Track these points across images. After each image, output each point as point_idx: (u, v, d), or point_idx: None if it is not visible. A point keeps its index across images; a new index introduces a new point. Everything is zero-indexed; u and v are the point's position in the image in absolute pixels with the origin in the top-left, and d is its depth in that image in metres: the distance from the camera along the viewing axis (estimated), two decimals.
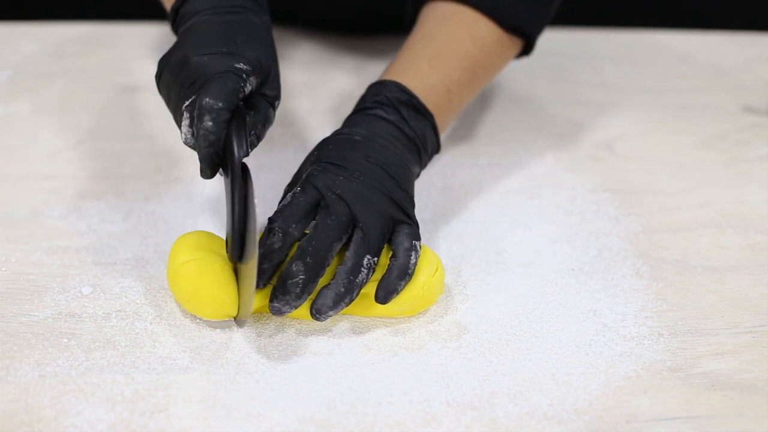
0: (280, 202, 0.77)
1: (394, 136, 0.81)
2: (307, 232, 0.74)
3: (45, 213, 0.87)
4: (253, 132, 0.74)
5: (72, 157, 0.95)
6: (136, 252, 0.82)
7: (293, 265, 0.71)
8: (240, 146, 0.71)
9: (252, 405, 0.69)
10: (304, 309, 0.74)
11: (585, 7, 1.33)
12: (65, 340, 0.73)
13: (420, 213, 0.89)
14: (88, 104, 1.05)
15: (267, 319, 0.76)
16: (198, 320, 0.76)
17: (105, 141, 0.98)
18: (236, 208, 0.71)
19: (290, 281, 0.71)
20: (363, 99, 0.85)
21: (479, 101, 1.08)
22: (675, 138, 1.04)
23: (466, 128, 1.03)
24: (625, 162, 0.99)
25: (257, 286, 0.72)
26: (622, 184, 0.95)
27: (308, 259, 0.72)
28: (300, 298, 0.72)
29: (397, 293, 0.74)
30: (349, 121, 0.84)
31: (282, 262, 0.73)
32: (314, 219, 0.75)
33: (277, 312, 0.72)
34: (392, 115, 0.82)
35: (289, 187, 0.80)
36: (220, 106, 0.70)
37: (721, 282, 0.82)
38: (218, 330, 0.75)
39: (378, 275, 0.75)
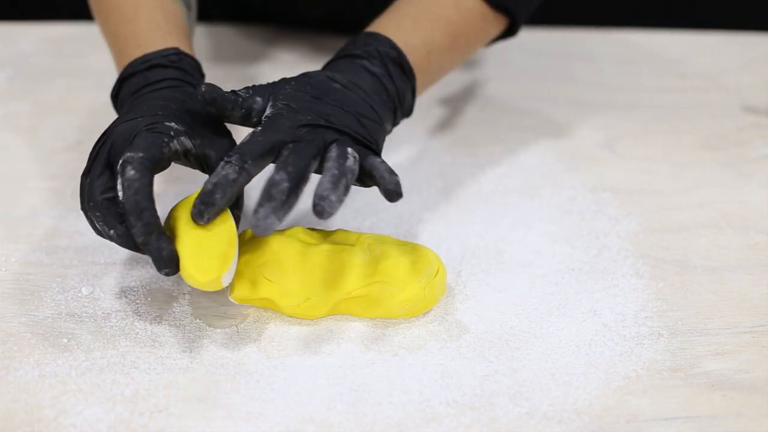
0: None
1: (375, 91, 0.80)
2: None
3: (45, 213, 0.87)
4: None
5: (72, 157, 0.95)
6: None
7: (276, 174, 0.71)
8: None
9: (252, 405, 0.69)
10: (302, 308, 0.74)
11: (585, 7, 1.33)
12: (65, 340, 0.73)
13: (420, 213, 0.89)
14: (88, 104, 1.05)
15: (267, 319, 0.76)
16: (198, 320, 0.76)
17: None
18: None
19: (274, 189, 0.70)
20: (352, 44, 0.84)
21: (479, 101, 1.08)
22: (675, 138, 1.04)
23: (466, 128, 1.03)
24: (625, 162, 0.99)
25: (202, 218, 0.71)
26: (622, 184, 0.95)
27: (289, 168, 0.71)
28: (284, 206, 0.70)
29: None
30: (333, 64, 0.82)
31: (234, 197, 0.72)
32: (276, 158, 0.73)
33: (263, 227, 0.69)
34: (378, 68, 0.81)
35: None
36: (141, 156, 0.71)
37: (721, 282, 0.82)
38: (218, 330, 0.75)
39: (369, 287, 0.75)
